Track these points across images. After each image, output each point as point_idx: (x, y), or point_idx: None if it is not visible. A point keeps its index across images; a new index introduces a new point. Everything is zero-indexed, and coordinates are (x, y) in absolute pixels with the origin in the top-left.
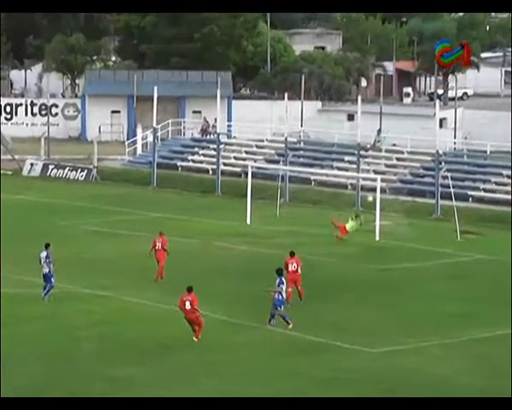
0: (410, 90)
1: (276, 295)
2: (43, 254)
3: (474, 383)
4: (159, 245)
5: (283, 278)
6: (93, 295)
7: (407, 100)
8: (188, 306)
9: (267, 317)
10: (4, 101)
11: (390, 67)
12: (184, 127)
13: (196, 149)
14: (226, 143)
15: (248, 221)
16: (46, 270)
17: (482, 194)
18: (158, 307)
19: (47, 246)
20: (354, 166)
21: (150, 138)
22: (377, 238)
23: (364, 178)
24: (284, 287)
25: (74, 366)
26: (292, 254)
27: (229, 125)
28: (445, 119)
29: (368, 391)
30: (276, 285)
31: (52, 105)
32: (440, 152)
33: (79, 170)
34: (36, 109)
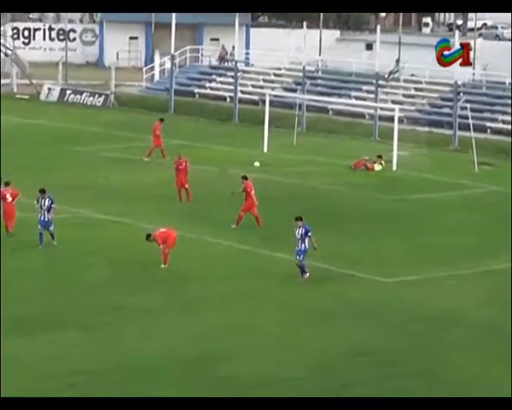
0: (429, 20)
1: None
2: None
3: (486, 316)
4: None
5: (307, 226)
6: (108, 221)
7: (426, 30)
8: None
9: (280, 245)
10: (22, 25)
11: None
12: (202, 54)
13: (214, 77)
14: (244, 71)
15: (265, 149)
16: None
17: (500, 125)
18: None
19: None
20: (372, 95)
21: (168, 65)
22: (394, 168)
23: (382, 108)
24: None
25: (84, 294)
26: (245, 178)
27: (246, 53)
28: None
29: (379, 323)
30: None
31: (70, 30)
32: (459, 83)
33: (97, 96)
34: (54, 34)
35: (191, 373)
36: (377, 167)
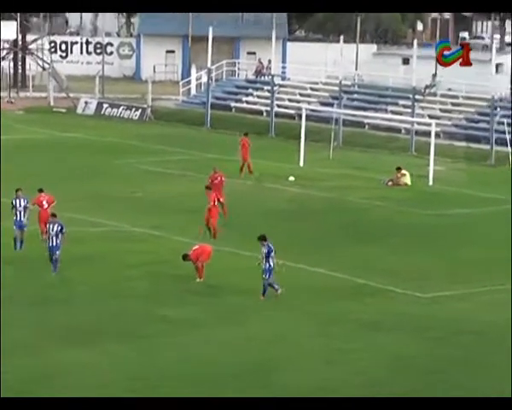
0: (466, 34)
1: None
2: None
3: None
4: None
5: (270, 245)
6: (144, 234)
7: None
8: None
9: (319, 259)
10: (60, 39)
11: None
12: (239, 68)
13: (250, 91)
14: (280, 85)
15: (301, 163)
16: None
17: None
18: None
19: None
20: (409, 110)
21: (204, 79)
22: (430, 183)
23: (419, 123)
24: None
25: (126, 306)
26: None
27: (283, 67)
28: (501, 64)
29: (421, 336)
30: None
31: (107, 44)
32: (496, 97)
33: (133, 109)
34: (91, 48)
35: (241, 381)
36: (407, 180)
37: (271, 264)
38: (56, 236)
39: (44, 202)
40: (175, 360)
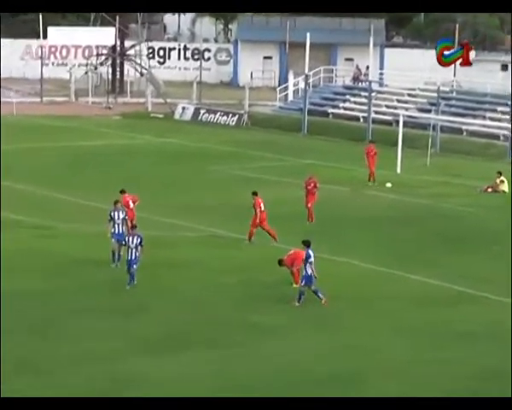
0: None
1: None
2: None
3: None
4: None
5: (311, 251)
6: (236, 240)
7: None
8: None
9: (415, 266)
10: (158, 45)
11: None
12: (336, 74)
13: (348, 97)
14: (378, 91)
15: (399, 170)
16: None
17: None
18: None
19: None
20: (507, 116)
21: (302, 85)
22: None
23: None
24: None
25: (215, 313)
26: (256, 194)
27: (381, 74)
28: None
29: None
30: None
31: (205, 50)
32: None
33: (230, 115)
34: (188, 54)
35: (333, 389)
36: (504, 187)
37: (308, 271)
38: (136, 248)
39: (130, 202)
40: (271, 369)
